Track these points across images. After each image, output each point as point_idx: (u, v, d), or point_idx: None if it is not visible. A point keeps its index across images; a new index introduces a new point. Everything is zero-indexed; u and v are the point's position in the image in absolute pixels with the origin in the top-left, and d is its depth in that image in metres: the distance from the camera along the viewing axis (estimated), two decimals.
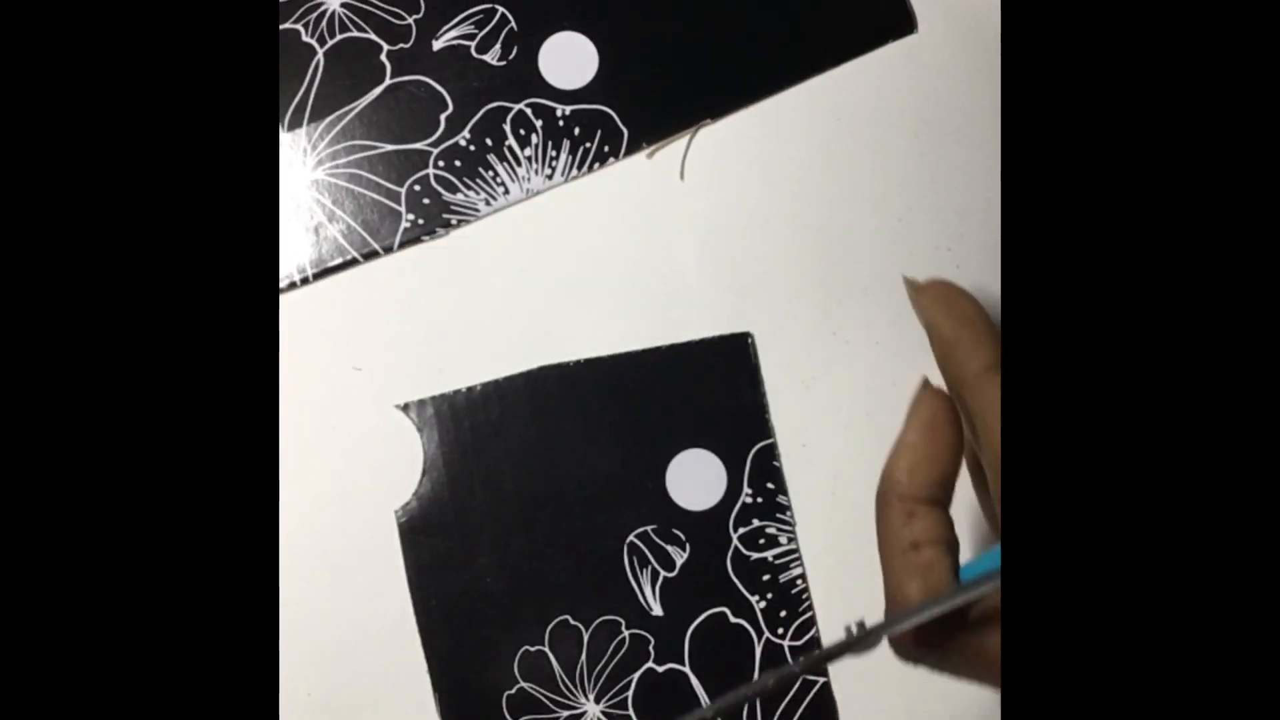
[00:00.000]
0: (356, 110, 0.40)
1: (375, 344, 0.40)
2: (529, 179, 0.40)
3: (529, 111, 0.40)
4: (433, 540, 0.39)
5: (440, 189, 0.40)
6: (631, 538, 0.39)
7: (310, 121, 0.40)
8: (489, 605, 0.38)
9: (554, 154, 0.41)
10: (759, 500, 0.40)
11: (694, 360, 0.40)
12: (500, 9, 0.41)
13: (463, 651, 0.38)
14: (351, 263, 0.39)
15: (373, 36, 0.40)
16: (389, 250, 0.39)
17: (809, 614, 0.39)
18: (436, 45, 0.40)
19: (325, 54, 0.40)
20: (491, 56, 0.40)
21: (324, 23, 0.40)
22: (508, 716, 0.38)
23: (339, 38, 0.40)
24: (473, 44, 0.41)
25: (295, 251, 0.40)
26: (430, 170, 0.40)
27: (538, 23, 0.41)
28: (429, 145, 0.40)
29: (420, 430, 0.39)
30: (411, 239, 0.39)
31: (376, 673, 0.38)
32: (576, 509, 0.39)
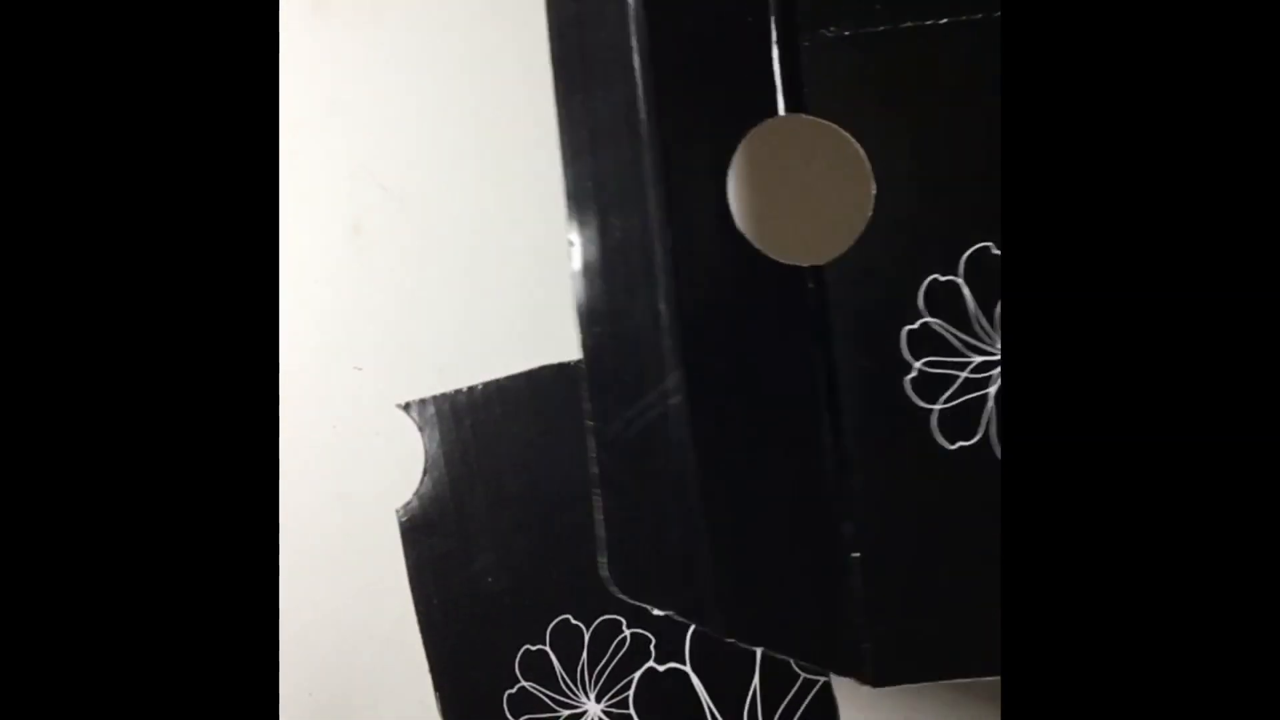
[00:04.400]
0: None
1: (375, 344, 0.40)
2: None
3: None
4: (433, 540, 0.39)
5: None
6: None
7: None
8: (489, 605, 0.38)
9: None
10: None
11: None
12: None
13: (463, 651, 0.38)
14: None
15: None
16: None
17: None
18: None
19: None
20: None
21: None
22: (509, 715, 0.38)
23: None
24: None
25: None
26: None
27: None
28: None
29: (421, 429, 0.39)
30: None
31: (376, 673, 0.38)
32: (578, 507, 0.39)
